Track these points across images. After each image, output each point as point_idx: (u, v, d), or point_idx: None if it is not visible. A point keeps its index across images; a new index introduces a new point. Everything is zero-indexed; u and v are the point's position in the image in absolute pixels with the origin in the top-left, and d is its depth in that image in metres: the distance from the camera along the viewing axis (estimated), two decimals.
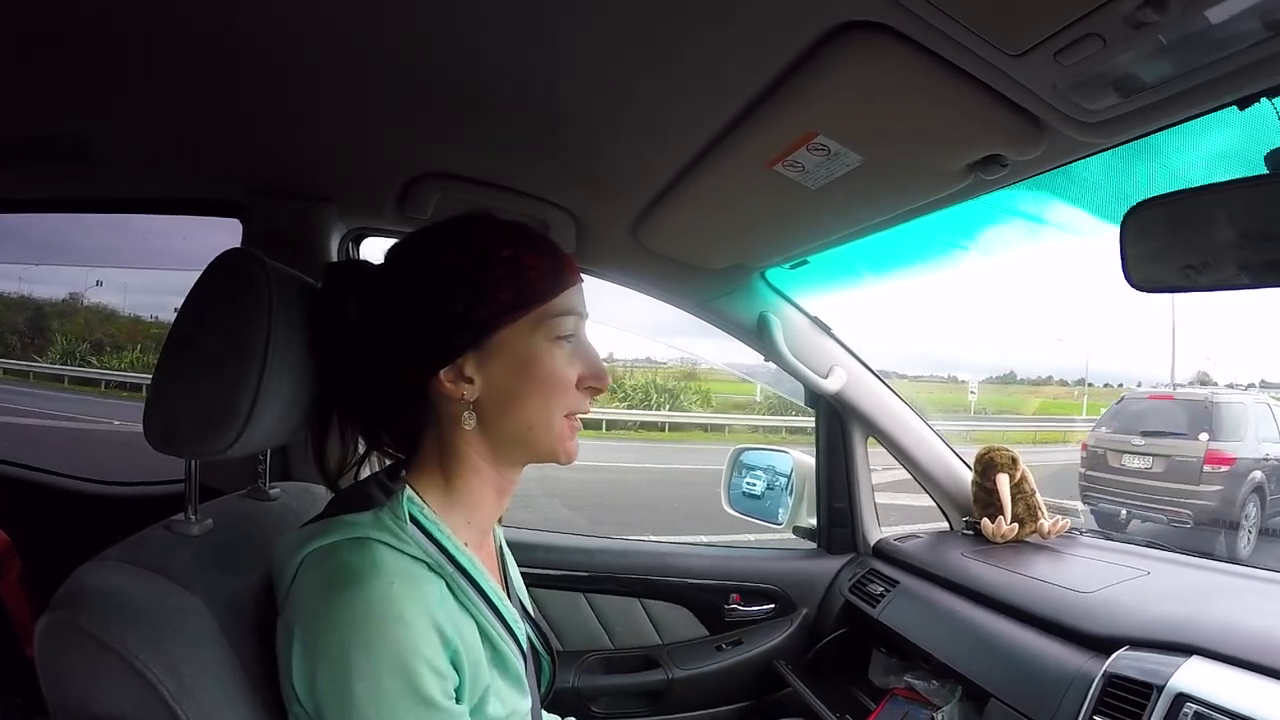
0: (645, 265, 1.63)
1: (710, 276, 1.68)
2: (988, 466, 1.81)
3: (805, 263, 1.60)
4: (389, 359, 0.82)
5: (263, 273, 0.81)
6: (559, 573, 1.76)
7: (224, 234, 1.51)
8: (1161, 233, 0.94)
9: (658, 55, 0.88)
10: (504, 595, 0.87)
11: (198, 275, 0.82)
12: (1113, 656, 1.13)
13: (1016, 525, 1.74)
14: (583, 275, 0.89)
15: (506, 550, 1.01)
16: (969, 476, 1.89)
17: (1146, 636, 1.14)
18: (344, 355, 0.85)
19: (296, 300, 0.84)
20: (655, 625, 1.82)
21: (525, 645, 0.88)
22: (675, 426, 16.86)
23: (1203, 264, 0.92)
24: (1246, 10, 0.63)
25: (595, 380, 0.85)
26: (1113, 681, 1.08)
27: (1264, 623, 1.12)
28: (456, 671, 0.74)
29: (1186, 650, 1.08)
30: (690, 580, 1.84)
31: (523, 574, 1.05)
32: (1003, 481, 1.76)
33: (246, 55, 0.98)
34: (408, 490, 0.80)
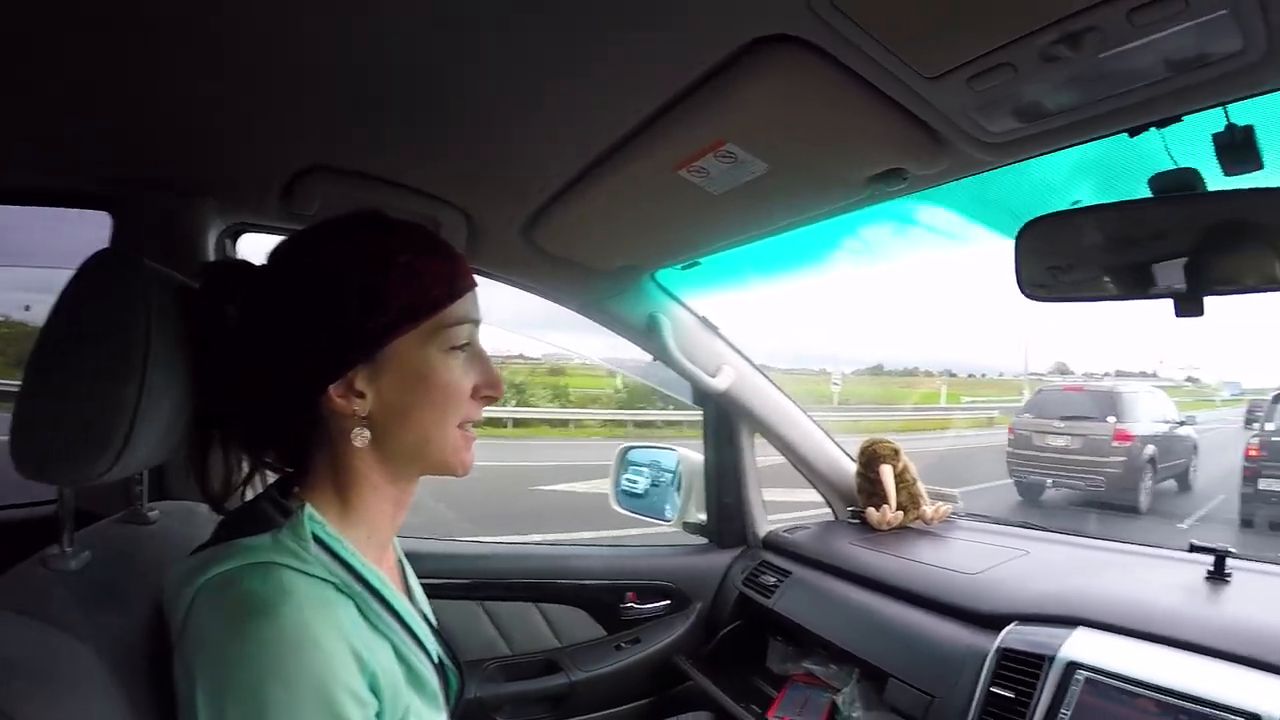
0: (536, 266, 1.60)
1: (601, 277, 1.66)
2: (871, 458, 1.89)
3: (697, 264, 1.61)
4: (273, 366, 0.76)
5: (139, 276, 0.74)
6: (451, 581, 1.71)
7: (93, 228, 1.38)
8: (1049, 245, 1.01)
9: (568, 58, 0.85)
10: (412, 610, 0.83)
11: (61, 272, 0.74)
12: (1003, 632, 1.20)
13: (901, 513, 1.83)
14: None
15: (406, 562, 0.97)
16: (852, 468, 1.97)
17: (1033, 611, 1.22)
18: (225, 364, 0.78)
19: (175, 305, 0.76)
20: (553, 629, 1.80)
21: (435, 660, 0.85)
22: (520, 422, 16.25)
23: (1069, 265, 1.00)
24: (1150, 50, 0.68)
25: (490, 389, 0.82)
26: (1006, 655, 1.15)
27: (1138, 592, 1.22)
28: (376, 696, 0.69)
29: (1072, 622, 1.16)
30: (585, 581, 1.84)
31: None
32: (886, 472, 1.84)
33: (118, 32, 0.86)
34: (308, 508, 0.75)
